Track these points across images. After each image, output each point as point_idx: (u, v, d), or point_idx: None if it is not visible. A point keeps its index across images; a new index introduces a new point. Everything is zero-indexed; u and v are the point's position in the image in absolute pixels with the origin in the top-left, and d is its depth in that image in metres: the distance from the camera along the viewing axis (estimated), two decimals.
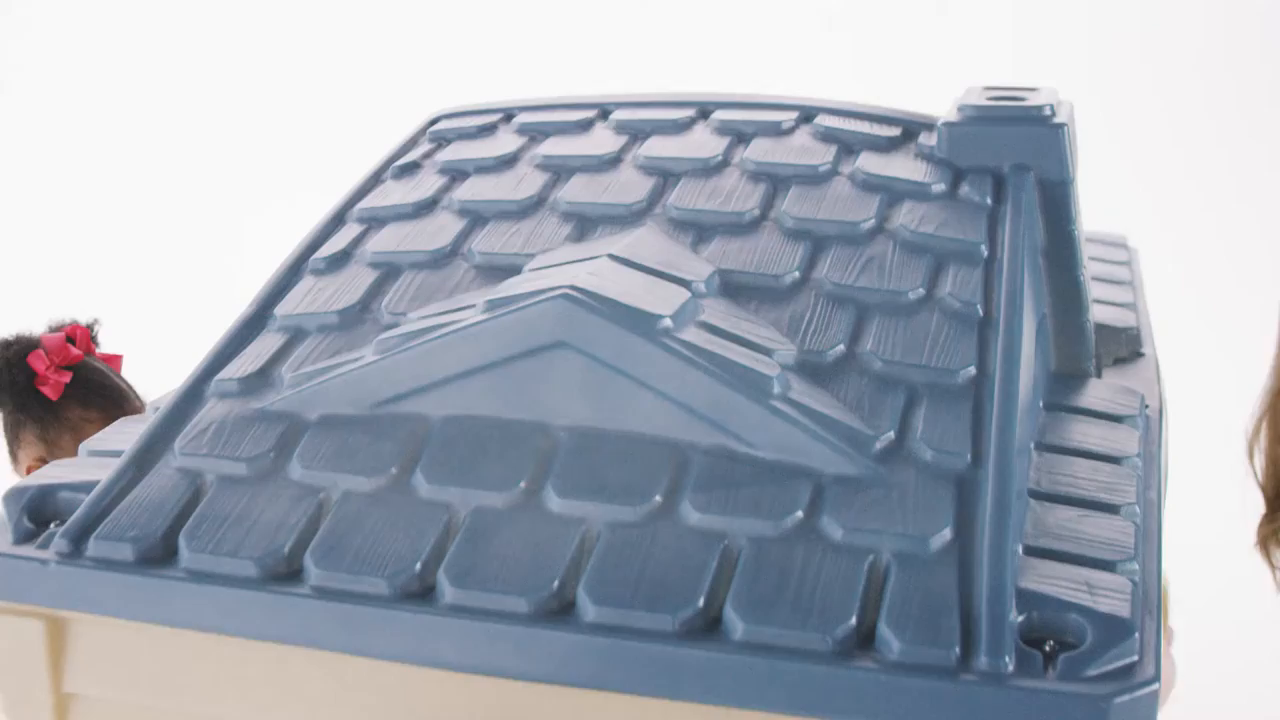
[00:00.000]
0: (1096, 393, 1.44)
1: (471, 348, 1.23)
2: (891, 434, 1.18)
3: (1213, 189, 4.18)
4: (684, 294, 1.26)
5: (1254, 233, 4.08)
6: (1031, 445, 1.30)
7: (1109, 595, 1.09)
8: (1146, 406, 1.44)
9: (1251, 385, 1.72)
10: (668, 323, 1.21)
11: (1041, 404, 1.39)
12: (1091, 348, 1.49)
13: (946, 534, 1.11)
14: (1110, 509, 1.21)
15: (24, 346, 1.77)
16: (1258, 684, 2.86)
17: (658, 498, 1.15)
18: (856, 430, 1.18)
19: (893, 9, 4.40)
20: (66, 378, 1.75)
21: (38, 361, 1.73)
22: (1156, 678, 1.04)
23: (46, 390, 1.73)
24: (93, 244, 4.33)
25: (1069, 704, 1.02)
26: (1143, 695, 1.03)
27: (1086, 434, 1.35)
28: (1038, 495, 1.22)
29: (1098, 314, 1.59)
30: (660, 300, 1.23)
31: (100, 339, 1.89)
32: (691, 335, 1.21)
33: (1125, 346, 1.60)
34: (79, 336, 1.81)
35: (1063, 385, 1.45)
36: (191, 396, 1.31)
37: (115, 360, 1.88)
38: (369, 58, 4.75)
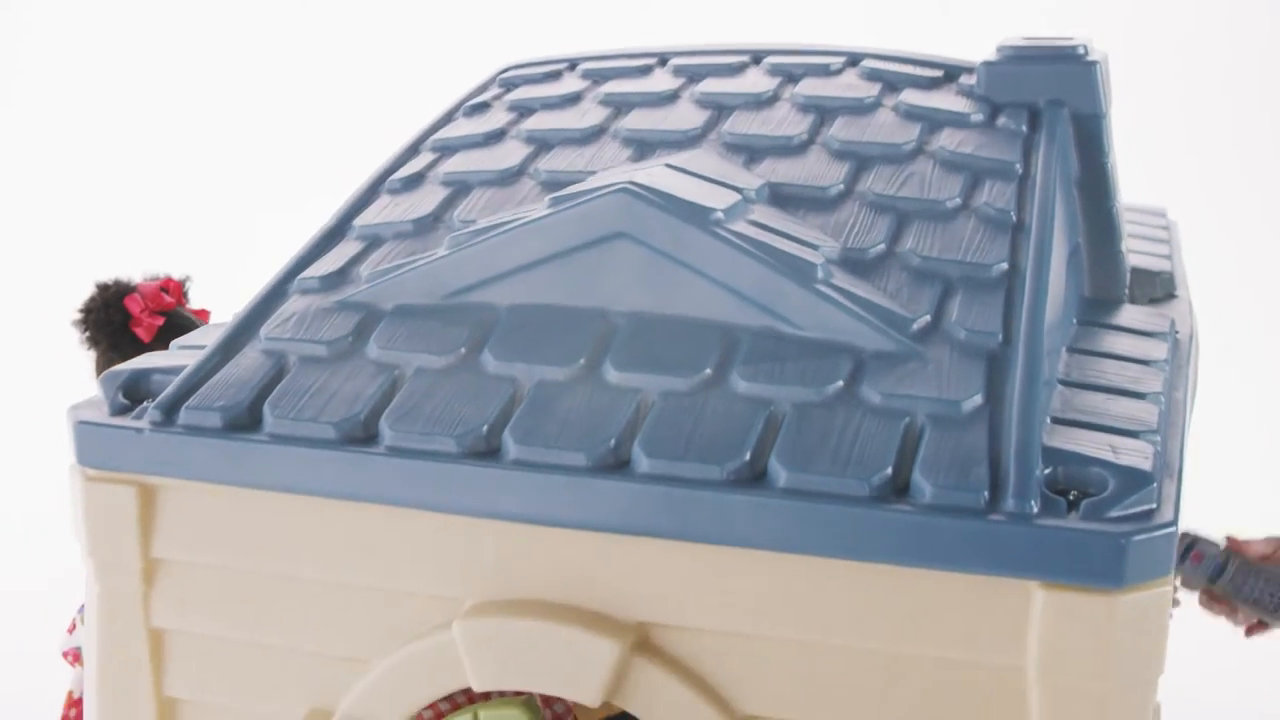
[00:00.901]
0: (1128, 314, 1.51)
1: (536, 240, 1.32)
2: (928, 317, 1.26)
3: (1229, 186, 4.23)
4: (735, 196, 1.35)
5: None
6: (1063, 347, 1.37)
7: (1131, 454, 1.16)
8: (1176, 331, 1.51)
9: None
10: (719, 215, 1.29)
11: (1075, 320, 1.47)
12: (1124, 277, 1.57)
13: (978, 399, 1.18)
14: (1136, 395, 1.28)
15: (121, 289, 1.86)
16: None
17: (708, 370, 1.23)
18: (895, 313, 1.26)
19: None
20: (159, 322, 1.84)
21: (134, 304, 1.83)
22: (1174, 522, 1.11)
23: (140, 332, 1.83)
24: (103, 245, 4.30)
25: (1090, 541, 1.09)
26: (1160, 536, 1.10)
27: (1116, 343, 1.42)
28: (1067, 383, 1.30)
29: (1134, 260, 1.66)
30: (713, 197, 1.32)
31: (191, 295, 1.98)
32: (741, 228, 1.30)
33: (1160, 289, 1.67)
34: (172, 288, 1.90)
35: (1096, 307, 1.52)
36: (275, 294, 1.41)
37: (204, 315, 1.97)
38: (376, 58, 4.76)
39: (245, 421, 1.28)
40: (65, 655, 1.76)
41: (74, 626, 1.76)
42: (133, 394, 1.35)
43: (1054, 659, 1.11)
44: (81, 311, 1.85)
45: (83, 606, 1.86)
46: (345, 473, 1.23)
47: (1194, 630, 1.57)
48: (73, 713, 1.77)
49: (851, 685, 1.17)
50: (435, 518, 1.22)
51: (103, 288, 1.86)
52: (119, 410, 1.33)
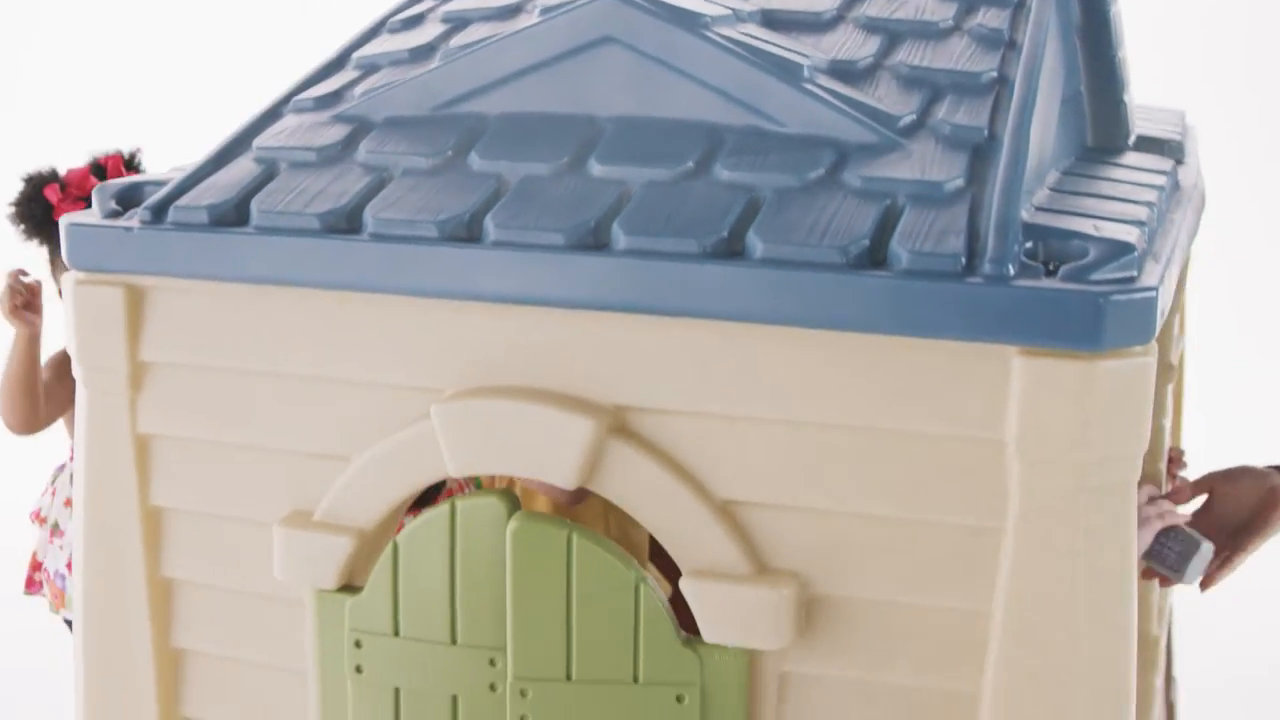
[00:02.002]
0: (1129, 156, 1.50)
1: (525, 48, 1.32)
2: (914, 115, 1.26)
3: None
4: (725, 10, 1.35)
5: None
6: (1056, 170, 1.36)
7: (1115, 229, 1.15)
8: (1180, 173, 1.50)
9: None
10: (708, 19, 1.29)
11: (1073, 157, 1.46)
12: (1128, 126, 1.55)
13: (960, 181, 1.18)
14: (1127, 200, 1.27)
15: (41, 180, 1.83)
16: None
17: (691, 162, 1.23)
18: (881, 110, 1.25)
19: None
20: (81, 208, 1.82)
21: (52, 193, 1.81)
22: (1156, 290, 1.09)
23: None
24: None
25: (1067, 300, 1.07)
26: (1140, 300, 1.08)
27: (1113, 171, 1.41)
28: (1057, 191, 1.29)
29: (1142, 129, 1.65)
30: (702, 6, 1.32)
31: (143, 165, 1.92)
32: (729, 33, 1.30)
33: (1169, 154, 1.65)
34: (110, 165, 1.86)
35: (1097, 152, 1.51)
36: (270, 114, 1.41)
37: None
38: None
39: (232, 218, 1.28)
40: (33, 516, 1.76)
41: (49, 490, 1.77)
42: (126, 203, 1.35)
43: (1033, 430, 1.10)
44: (12, 206, 1.83)
45: (60, 466, 1.87)
46: (328, 260, 1.23)
47: None
48: (37, 575, 1.77)
49: (831, 464, 1.16)
50: (416, 305, 1.22)
51: (27, 179, 1.85)
52: (110, 216, 1.34)
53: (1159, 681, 1.66)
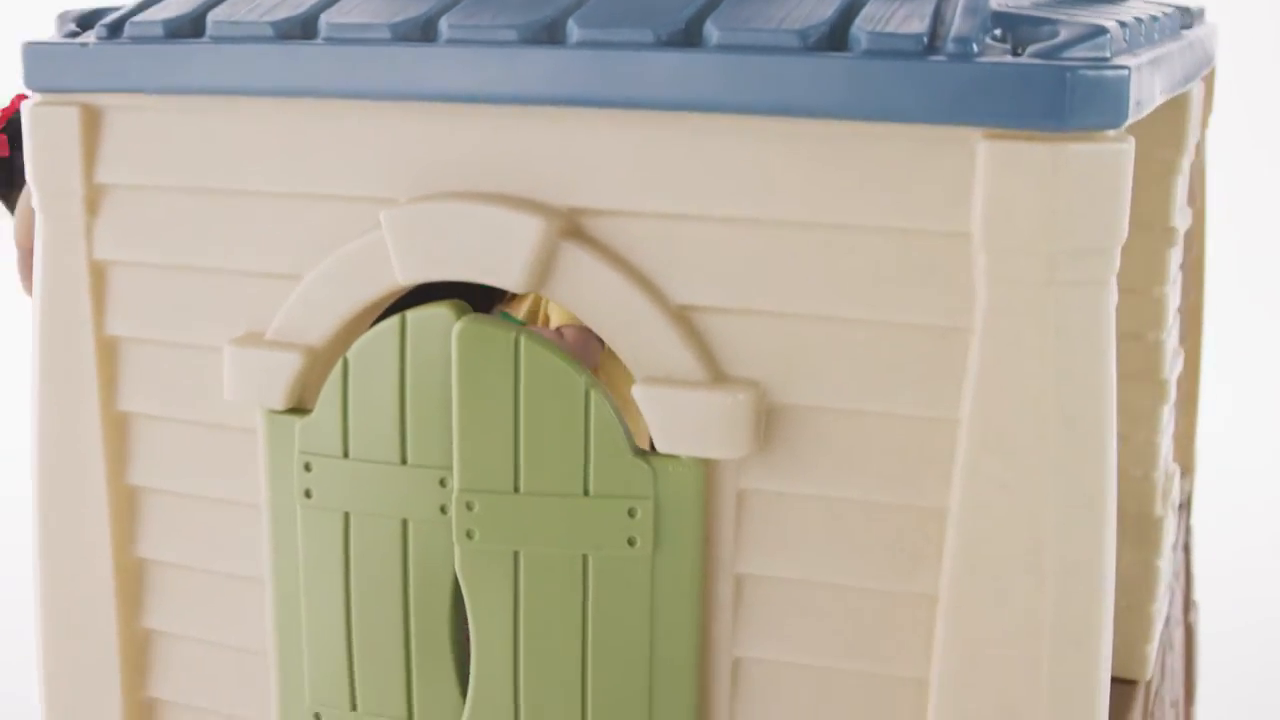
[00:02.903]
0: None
1: None
2: None
3: None
4: None
5: None
6: None
7: (1090, 18, 1.09)
8: (1185, 31, 1.44)
9: None
10: None
11: None
12: None
13: None
14: (1118, 15, 1.21)
15: None
16: None
17: None
18: None
19: None
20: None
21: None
22: (1129, 71, 1.03)
23: None
24: None
25: (1032, 75, 1.02)
26: (1111, 78, 1.03)
27: (1109, 7, 1.35)
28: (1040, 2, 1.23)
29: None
30: None
31: None
32: None
33: (1179, 13, 1.59)
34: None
35: None
36: None
37: None
38: None
39: (188, 30, 1.25)
40: None
41: None
42: (85, 25, 1.32)
43: (999, 218, 1.04)
44: None
45: None
46: (281, 66, 1.20)
47: None
48: None
49: (789, 264, 1.10)
50: (370, 111, 1.19)
51: None
52: (70, 38, 1.31)
53: (1161, 564, 1.59)
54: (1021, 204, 1.04)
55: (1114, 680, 1.57)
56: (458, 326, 1.13)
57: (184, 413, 1.30)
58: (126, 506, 1.34)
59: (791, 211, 1.10)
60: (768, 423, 1.13)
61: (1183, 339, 1.66)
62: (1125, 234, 1.06)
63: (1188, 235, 1.87)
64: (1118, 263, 1.07)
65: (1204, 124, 1.86)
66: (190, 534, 1.33)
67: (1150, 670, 1.66)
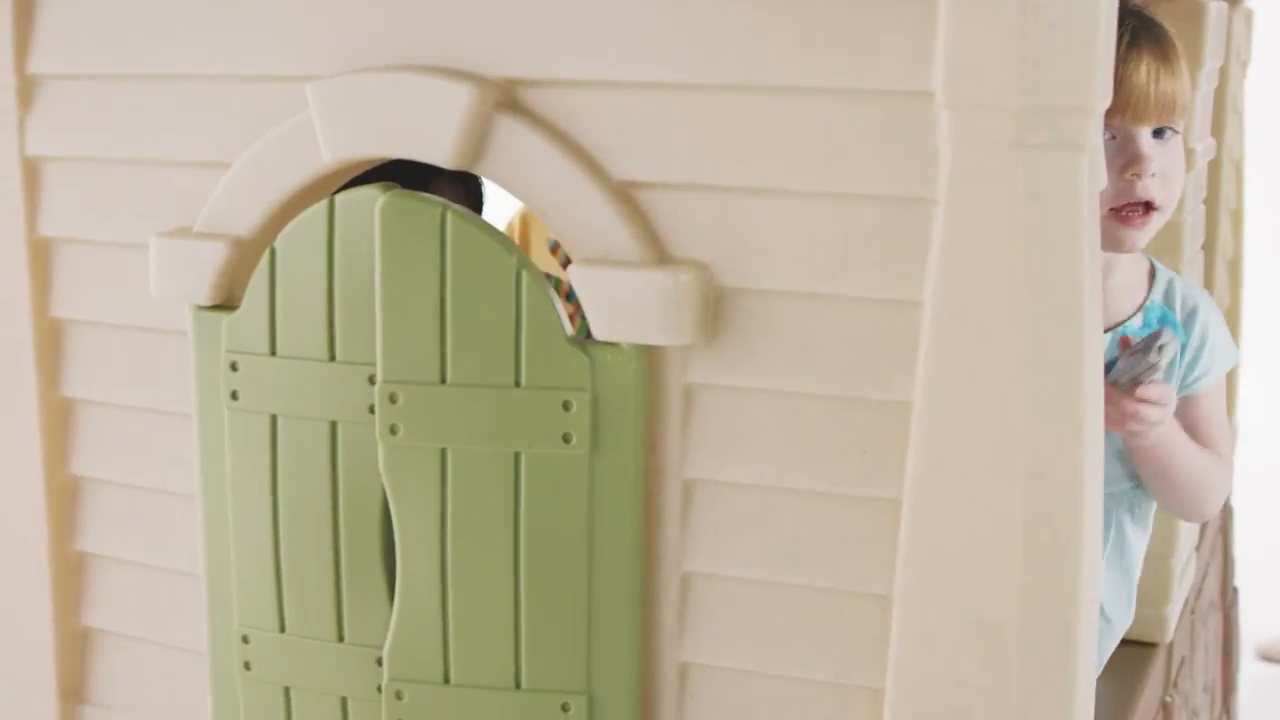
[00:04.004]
0: None
1: None
2: None
3: None
4: None
5: None
6: None
7: None
8: None
9: None
10: None
11: None
12: None
13: None
14: None
15: None
16: None
17: None
18: None
19: None
20: None
21: None
22: None
23: None
24: None
25: None
26: None
27: None
28: None
29: None
30: None
31: None
32: None
33: None
34: None
35: None
36: None
37: None
38: None
39: None
40: None
41: None
42: None
43: (963, 71, 0.95)
44: None
45: None
46: None
47: None
48: None
49: (737, 133, 1.01)
50: None
51: None
52: None
53: None
54: (988, 55, 0.94)
55: (1130, 643, 1.45)
56: (381, 201, 1.05)
57: (116, 317, 1.23)
58: (59, 419, 1.27)
59: (737, 75, 1.01)
60: (716, 310, 1.03)
61: None
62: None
63: (1215, 184, 1.76)
64: (1098, 128, 0.96)
65: (1232, 55, 1.75)
66: (123, 448, 1.25)
67: (1171, 634, 1.54)
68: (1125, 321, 1.34)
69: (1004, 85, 0.94)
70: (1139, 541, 1.39)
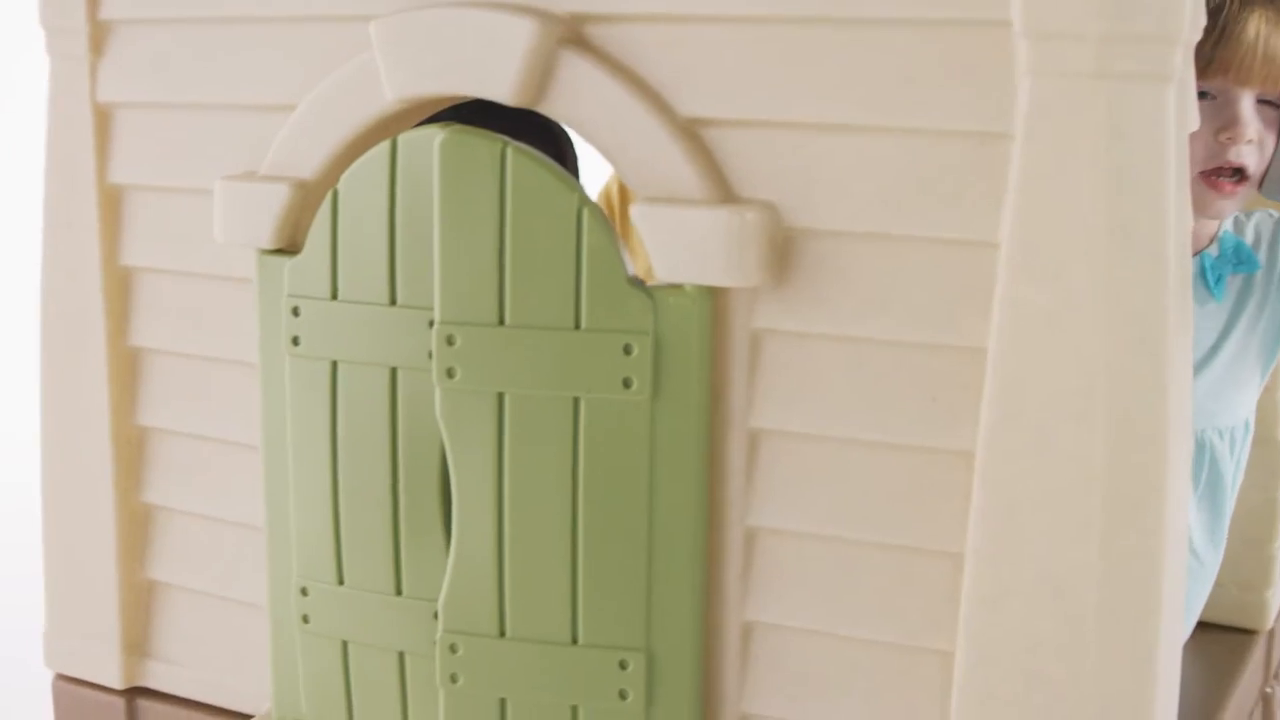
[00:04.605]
0: None
1: None
2: None
3: None
4: None
5: None
6: None
7: None
8: None
9: None
10: None
11: None
12: None
13: None
14: None
15: None
16: None
17: None
18: None
19: None
20: None
21: None
22: None
23: None
24: None
25: None
26: None
27: None
28: None
29: None
30: None
31: None
32: None
33: None
34: None
35: None
36: None
37: None
38: None
39: None
40: None
41: None
42: None
43: (1041, 2, 0.90)
44: None
45: None
46: None
47: None
48: None
49: (807, 69, 0.98)
50: None
51: None
52: None
53: None
54: None
55: (1227, 629, 1.39)
56: (440, 137, 1.02)
57: (183, 264, 1.22)
58: (127, 369, 1.26)
59: (807, 6, 0.97)
60: (784, 251, 0.99)
61: None
62: (1198, 24, 0.91)
63: None
64: (1187, 59, 0.91)
65: None
66: (188, 398, 1.24)
67: (1271, 621, 1.47)
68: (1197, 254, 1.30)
69: (1085, 11, 0.89)
70: (1234, 480, 1.33)
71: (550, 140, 1.38)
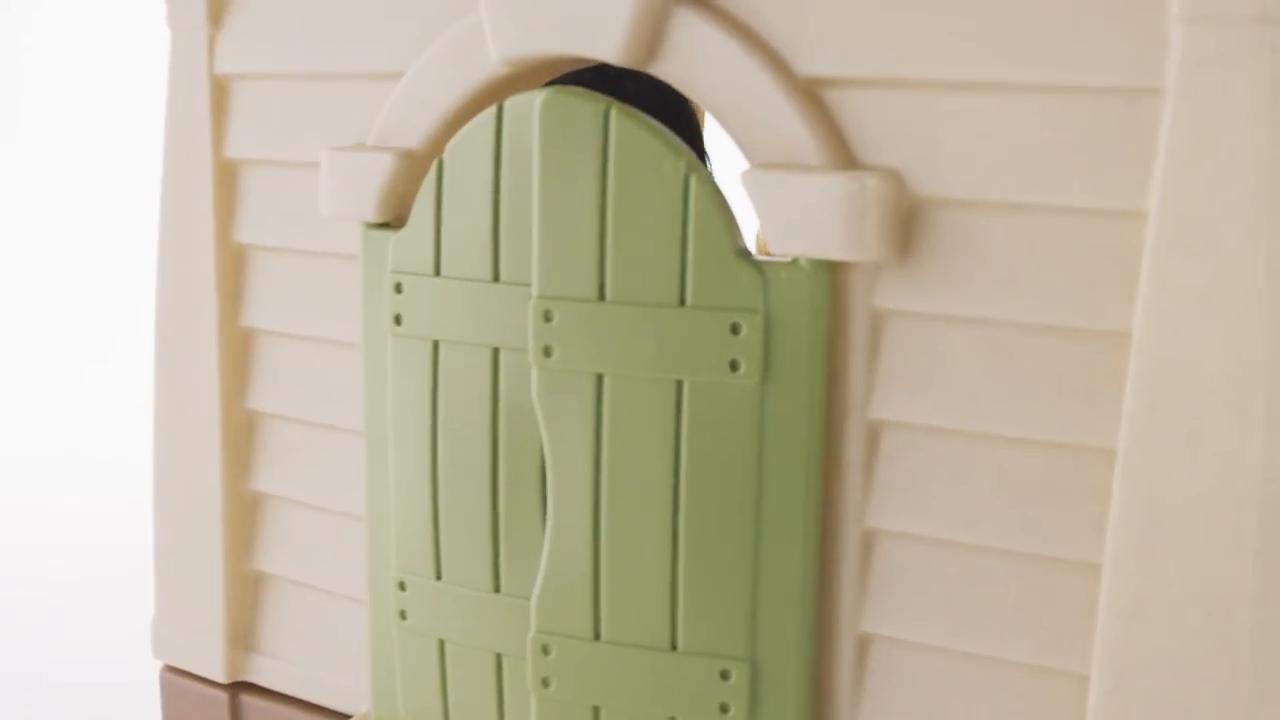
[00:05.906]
0: None
1: None
2: None
3: None
4: None
5: None
6: None
7: None
8: None
9: None
10: None
11: None
12: None
13: None
14: None
15: None
16: None
17: None
18: None
19: None
20: None
21: None
22: None
23: None
24: None
25: None
26: None
27: None
28: None
29: None
30: None
31: None
32: None
33: None
34: None
35: None
36: None
37: None
38: None
39: None
40: None
41: None
42: None
43: None
44: None
45: None
46: None
47: None
48: None
49: (937, 26, 0.89)
50: None
51: None
52: None
53: None
54: None
55: None
56: (540, 98, 0.96)
57: (294, 241, 1.18)
58: (238, 351, 1.22)
59: None
60: (909, 223, 0.90)
61: None
62: None
63: None
64: None
65: None
66: (297, 381, 1.19)
67: None
68: None
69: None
70: None
71: (682, 130, 1.31)
